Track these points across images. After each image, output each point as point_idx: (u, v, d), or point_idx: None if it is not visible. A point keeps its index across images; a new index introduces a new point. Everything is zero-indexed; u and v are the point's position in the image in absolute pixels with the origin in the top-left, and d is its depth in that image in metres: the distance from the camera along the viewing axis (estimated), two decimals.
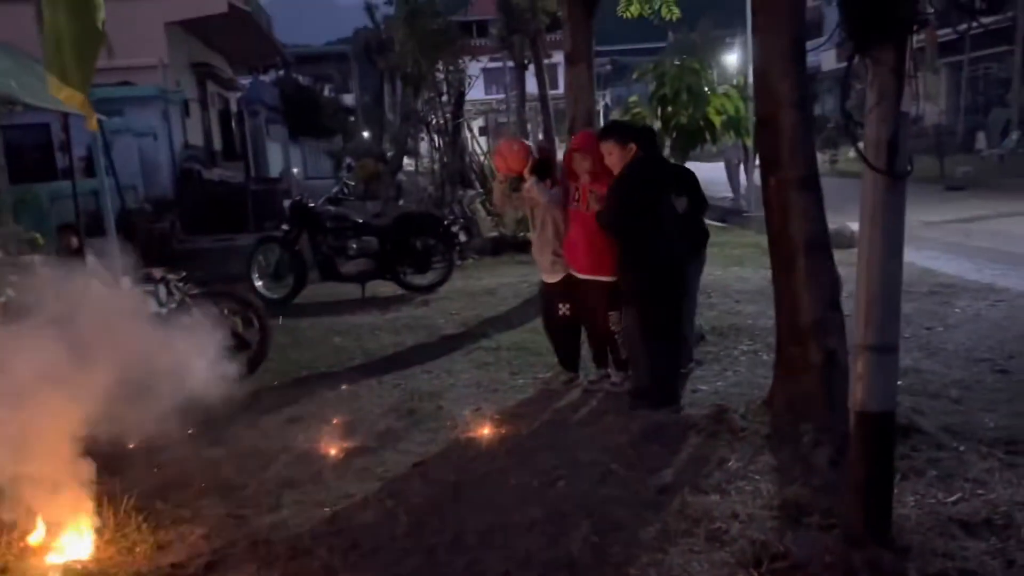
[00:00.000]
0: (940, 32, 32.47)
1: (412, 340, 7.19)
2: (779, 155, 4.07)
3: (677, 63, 5.97)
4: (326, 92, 50.50)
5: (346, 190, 9.40)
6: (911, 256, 9.71)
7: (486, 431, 4.75)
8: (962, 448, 4.03)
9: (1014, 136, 24.39)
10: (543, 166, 5.25)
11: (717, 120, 6.17)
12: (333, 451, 4.57)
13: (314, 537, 3.56)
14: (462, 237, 9.36)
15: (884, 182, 2.86)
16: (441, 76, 11.68)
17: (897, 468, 3.68)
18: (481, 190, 12.27)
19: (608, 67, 50.05)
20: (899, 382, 5.11)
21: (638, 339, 4.80)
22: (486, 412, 5.08)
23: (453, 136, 11.57)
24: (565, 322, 5.37)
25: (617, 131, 4.96)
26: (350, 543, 3.50)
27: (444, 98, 11.76)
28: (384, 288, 9.44)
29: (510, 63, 24.56)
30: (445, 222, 9.26)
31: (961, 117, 30.51)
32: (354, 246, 9.11)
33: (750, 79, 7.18)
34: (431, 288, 9.28)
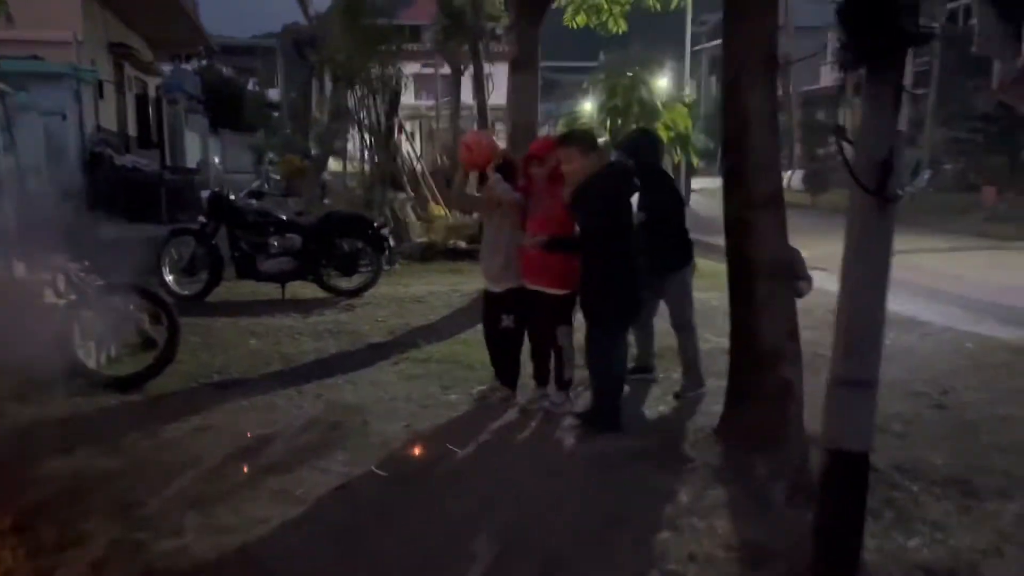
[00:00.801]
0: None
1: (335, 347, 6.75)
2: (746, 174, 3.88)
3: (630, 74, 5.78)
4: (250, 86, 49.13)
5: (267, 185, 8.90)
6: (833, 286, 9.79)
7: (417, 451, 4.39)
8: (915, 488, 3.88)
9: (925, 176, 25.37)
10: (507, 168, 4.97)
11: (665, 135, 5.99)
12: (246, 468, 4.12)
13: (221, 566, 3.15)
14: (391, 241, 8.95)
15: (874, 206, 2.65)
16: (376, 74, 11.27)
17: None
18: (412, 194, 11.89)
19: (539, 82, 50.23)
20: None
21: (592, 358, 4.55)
22: (416, 429, 4.72)
23: (386, 137, 11.16)
24: (508, 335, 5.06)
25: (580, 138, 4.69)
26: (263, 575, 3.10)
27: (378, 97, 11.35)
28: (305, 290, 8.96)
29: (443, 70, 24.22)
30: (374, 224, 8.85)
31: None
32: (276, 244, 8.61)
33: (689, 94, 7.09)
34: (356, 292, 8.84)
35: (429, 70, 28.72)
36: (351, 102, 11.70)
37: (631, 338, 5.13)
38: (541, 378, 5.15)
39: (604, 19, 8.49)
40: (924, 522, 3.54)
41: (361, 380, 5.76)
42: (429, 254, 11.27)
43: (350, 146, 14.51)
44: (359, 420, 4.86)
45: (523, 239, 4.83)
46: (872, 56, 2.54)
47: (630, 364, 5.69)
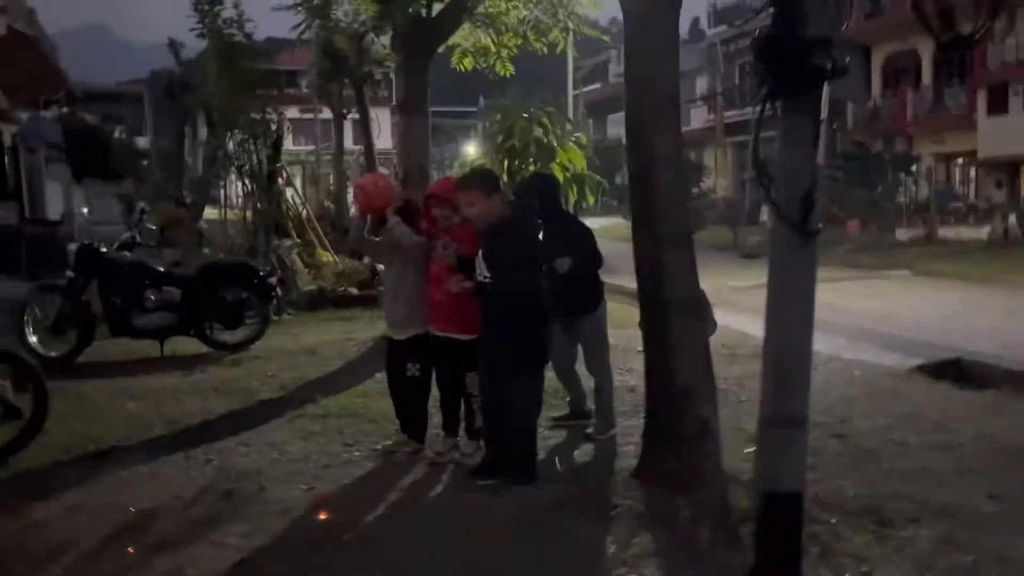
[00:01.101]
0: (727, 114, 35.48)
1: (223, 406, 6.31)
2: (653, 212, 3.84)
3: (526, 115, 5.72)
4: (117, 133, 47.14)
5: (140, 236, 8.32)
6: (728, 319, 10.01)
7: (322, 516, 4.08)
8: (834, 520, 3.88)
9: None
10: (407, 211, 4.78)
11: (561, 175, 5.96)
12: (131, 549, 3.71)
13: None
14: (279, 290, 8.55)
15: (797, 241, 2.62)
16: (256, 118, 10.89)
17: None
18: (299, 240, 11.48)
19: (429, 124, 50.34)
20: (750, 449, 5.08)
21: (497, 408, 4.35)
22: (320, 493, 4.40)
23: (268, 182, 10.76)
24: (414, 384, 4.83)
25: (482, 179, 4.51)
26: None
27: (259, 142, 10.95)
28: (187, 345, 8.42)
29: (322, 115, 23.84)
30: (260, 272, 8.43)
31: (747, 192, 33.20)
32: (152, 297, 8.06)
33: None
34: (242, 346, 8.38)
35: (308, 115, 28.30)
36: (231, 147, 11.25)
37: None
38: (450, 428, 4.94)
39: (492, 62, 8.49)
40: (847, 555, 3.52)
41: (254, 441, 5.37)
42: (318, 302, 10.87)
43: (224, 193, 13.96)
44: (255, 486, 4.49)
45: (424, 284, 4.65)
46: (790, 90, 2.52)
47: (564, 411, 5.57)
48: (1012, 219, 22.54)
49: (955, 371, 7.88)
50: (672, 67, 3.90)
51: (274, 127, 11.25)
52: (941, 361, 8.20)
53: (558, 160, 5.73)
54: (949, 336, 9.82)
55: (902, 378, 7.36)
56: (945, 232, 22.69)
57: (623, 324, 10.39)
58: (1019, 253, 18.51)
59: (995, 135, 25.76)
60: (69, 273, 7.79)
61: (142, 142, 53.30)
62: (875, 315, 11.46)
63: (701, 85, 42.09)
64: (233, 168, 11.21)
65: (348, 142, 22.76)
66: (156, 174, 39.83)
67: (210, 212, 17.44)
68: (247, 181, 11.24)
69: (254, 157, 10.99)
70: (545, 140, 5.75)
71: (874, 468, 4.82)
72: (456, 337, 4.58)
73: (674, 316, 3.84)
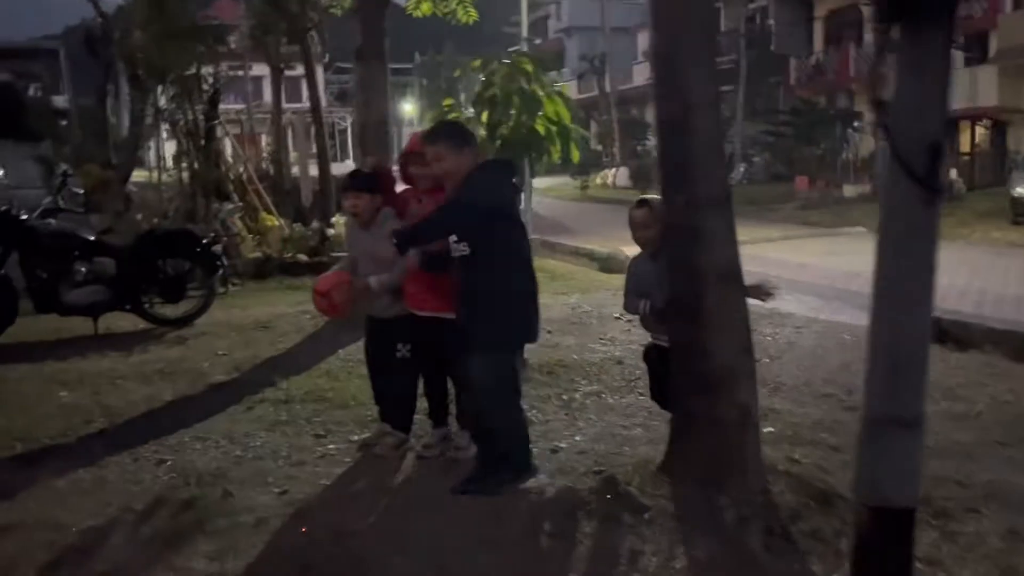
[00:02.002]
0: None
1: (171, 392, 5.62)
2: (690, 168, 3.29)
3: (507, 61, 5.12)
4: (31, 91, 44.61)
5: (63, 200, 7.45)
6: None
7: (304, 528, 3.49)
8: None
9: (741, 168, 26.61)
10: (380, 179, 4.24)
11: (543, 128, 5.38)
12: None
13: None
14: (224, 260, 7.80)
15: (917, 199, 2.11)
16: (191, 74, 9.95)
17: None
18: (240, 203, 10.63)
19: (351, 84, 48.88)
20: (769, 428, 4.64)
21: (479, 397, 3.78)
22: (296, 497, 3.80)
23: (207, 141, 9.86)
24: (404, 368, 4.23)
25: (449, 132, 3.81)
26: None
27: (194, 98, 10.03)
28: (123, 321, 7.64)
29: (252, 71, 22.54)
30: (203, 240, 7.65)
31: None
32: (83, 270, 7.24)
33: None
34: (185, 321, 7.63)
35: (238, 72, 26.89)
36: (162, 103, 10.30)
37: None
38: (439, 417, 4.37)
39: (452, 7, 7.79)
40: (917, 559, 3.10)
41: (212, 434, 4.71)
42: (264, 270, 10.12)
43: (152, 153, 12.95)
44: (219, 491, 3.85)
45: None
46: (919, 8, 1.99)
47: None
48: (953, 173, 22.78)
49: (936, 331, 7.64)
50: None
51: (210, 81, 10.30)
52: None
53: (543, 112, 5.16)
54: None
55: None
56: None
57: (588, 288, 9.98)
58: (964, 208, 18.65)
59: None
60: None
61: (59, 101, 50.54)
62: (841, 273, 11.24)
63: (643, 42, 41.57)
64: (166, 126, 10.26)
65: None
66: (76, 134, 37.76)
67: (137, 174, 16.33)
68: (182, 140, 10.31)
69: (189, 114, 10.06)
70: (529, 90, 5.17)
71: None
72: (442, 316, 3.99)
73: (711, 288, 3.32)
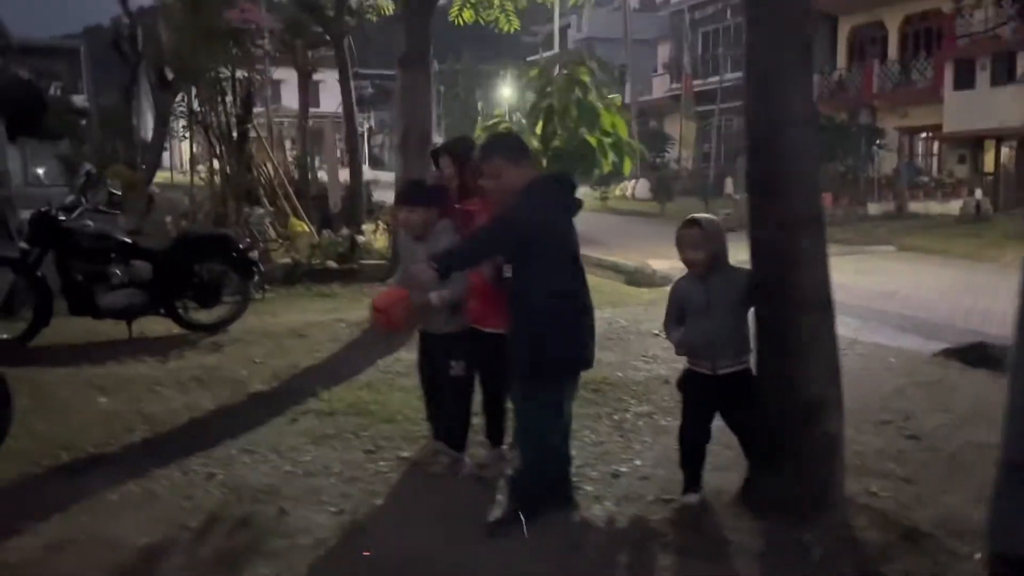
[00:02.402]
0: (694, 82, 35.00)
1: (211, 401, 5.50)
2: (781, 186, 3.16)
3: (566, 72, 4.98)
4: (52, 90, 44.92)
5: (86, 200, 7.28)
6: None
7: (367, 551, 3.35)
8: (977, 556, 3.31)
9: None
10: (438, 194, 4.13)
11: (595, 141, 5.23)
12: None
13: None
14: (260, 265, 7.69)
15: None
16: (225, 75, 9.88)
17: None
18: (271, 208, 10.53)
19: (370, 90, 48.89)
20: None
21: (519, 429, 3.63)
22: (354, 519, 3.67)
23: (239, 144, 9.78)
24: (457, 386, 4.10)
25: (506, 146, 3.62)
26: None
27: (227, 100, 9.96)
28: (155, 325, 7.54)
29: (275, 75, 22.50)
30: (239, 245, 7.55)
31: (712, 163, 32.88)
32: (118, 272, 7.14)
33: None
34: (219, 327, 7.52)
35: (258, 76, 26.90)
36: (195, 105, 10.22)
37: None
38: (496, 436, 4.24)
39: (495, 15, 7.70)
40: None
41: (258, 447, 4.60)
42: (293, 276, 10.00)
43: (188, 156, 12.86)
44: (273, 509, 3.74)
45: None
46: None
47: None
48: (978, 193, 22.59)
49: (981, 356, 7.49)
50: (807, 3, 3.20)
51: (243, 83, 10.23)
52: (967, 345, 7.81)
53: (601, 124, 5.02)
54: (960, 317, 9.50)
55: (942, 367, 6.90)
56: (914, 206, 22.65)
57: (619, 302, 9.84)
58: (991, 229, 18.47)
59: (961, 110, 25.71)
60: (22, 244, 6.81)
61: (78, 100, 50.80)
62: (875, 293, 11.08)
63: (663, 54, 41.52)
64: (199, 129, 10.19)
65: (292, 103, 21.39)
66: (96, 134, 37.90)
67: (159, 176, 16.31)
68: (214, 142, 10.23)
69: (222, 117, 9.99)
70: (587, 101, 5.03)
71: (971, 480, 4.26)
72: (504, 333, 3.86)
73: (803, 315, 3.19)
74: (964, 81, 26.59)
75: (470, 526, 3.58)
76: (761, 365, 3.44)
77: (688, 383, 3.78)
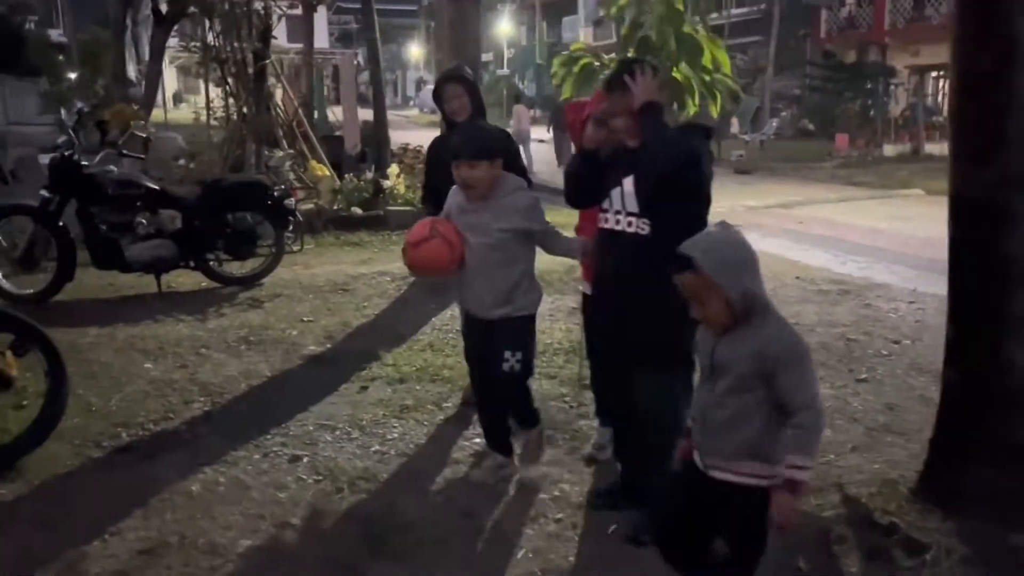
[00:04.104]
0: None
1: (267, 365, 5.03)
2: (1005, 135, 2.68)
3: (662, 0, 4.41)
4: (26, 25, 43.30)
5: (76, 140, 6.62)
6: (766, 245, 9.06)
7: (508, 556, 2.93)
8: None
9: (774, 123, 25.82)
10: (494, 145, 3.31)
11: (680, 77, 4.66)
12: None
13: None
14: (297, 214, 7.15)
15: None
16: (242, 5, 9.14)
17: None
18: (291, 150, 9.90)
19: (355, 25, 47.40)
20: None
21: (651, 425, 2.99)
22: (470, 509, 3.24)
23: (257, 82, 9.10)
24: (511, 384, 3.33)
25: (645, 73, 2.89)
26: None
27: (243, 34, 9.23)
28: (182, 278, 7.03)
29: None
30: (275, 192, 6.99)
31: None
32: (145, 222, 6.59)
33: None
34: (251, 280, 7.03)
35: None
36: (210, 38, 9.49)
37: None
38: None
39: None
40: None
41: (336, 421, 4.15)
42: (316, 224, 9.44)
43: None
44: (381, 504, 3.30)
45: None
46: None
47: None
48: None
49: None
50: None
51: (261, 15, 9.48)
52: None
53: (704, 58, 4.48)
54: None
55: None
56: (929, 148, 22.14)
57: None
58: None
59: None
60: (43, 192, 6.23)
61: (54, 34, 48.94)
62: (918, 240, 10.65)
63: None
64: (214, 65, 9.48)
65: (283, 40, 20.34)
66: (75, 70, 36.46)
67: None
68: (230, 81, 9.53)
69: (238, 53, 9.28)
70: (687, 33, 4.48)
71: None
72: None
73: (1018, 284, 2.74)
74: None
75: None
76: (953, 336, 2.98)
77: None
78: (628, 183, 2.86)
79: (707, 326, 2.25)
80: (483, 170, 3.19)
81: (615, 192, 2.93)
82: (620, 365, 3.02)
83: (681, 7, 4.66)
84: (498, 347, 3.25)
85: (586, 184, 3.07)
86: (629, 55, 4.73)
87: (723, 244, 2.19)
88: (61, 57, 43.87)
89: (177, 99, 40.27)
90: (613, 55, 5.18)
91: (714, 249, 2.17)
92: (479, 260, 3.26)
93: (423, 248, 3.25)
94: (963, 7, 2.77)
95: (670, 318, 2.58)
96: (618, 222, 2.94)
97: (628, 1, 4.84)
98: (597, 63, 4.89)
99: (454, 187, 3.36)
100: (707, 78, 4.68)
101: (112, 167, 6.54)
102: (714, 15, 32.85)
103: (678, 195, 2.77)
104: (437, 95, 4.23)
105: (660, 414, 2.88)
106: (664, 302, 2.44)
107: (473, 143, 3.25)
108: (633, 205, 2.87)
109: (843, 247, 10.07)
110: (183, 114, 34.36)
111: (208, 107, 9.87)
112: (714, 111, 5.09)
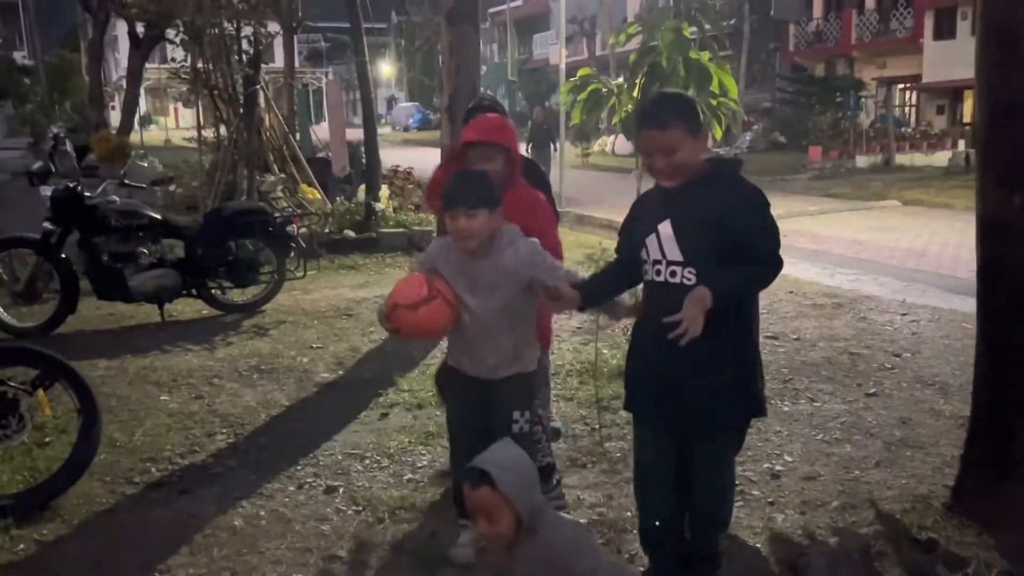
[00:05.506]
0: None
1: (283, 395, 5.04)
2: None
3: (671, 27, 4.50)
4: None
5: (55, 165, 6.59)
6: None
7: None
8: None
9: (747, 136, 26.22)
10: (495, 193, 2.81)
11: (700, 104, 4.74)
12: None
13: None
14: (299, 240, 7.15)
15: None
16: (231, 31, 9.15)
17: None
18: (282, 175, 9.90)
19: (324, 44, 47.39)
20: None
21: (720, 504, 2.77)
22: None
23: (248, 107, 9.10)
24: (522, 442, 2.74)
25: (686, 111, 2.62)
26: None
27: (232, 59, 9.24)
28: (183, 307, 7.01)
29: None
30: (275, 218, 6.99)
31: None
32: (146, 252, 6.57)
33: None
34: (252, 307, 7.02)
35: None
36: (199, 64, 9.48)
37: None
38: None
39: None
40: None
41: (363, 449, 4.17)
42: (309, 248, 9.42)
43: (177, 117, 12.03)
44: (424, 533, 3.32)
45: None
46: None
47: None
48: (961, 145, 22.65)
49: None
50: None
51: (251, 42, 9.50)
52: None
53: (713, 84, 4.57)
54: None
55: None
56: (900, 159, 22.60)
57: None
58: None
59: (941, 60, 25.70)
60: (46, 224, 6.19)
61: (18, 57, 48.45)
62: (902, 251, 10.92)
63: (634, 4, 40.71)
64: (203, 90, 9.47)
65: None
66: (40, 94, 36.06)
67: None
68: (220, 106, 9.52)
69: (228, 77, 9.28)
70: (697, 60, 4.58)
71: None
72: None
73: None
74: (944, 31, 26.55)
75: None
76: (984, 350, 3.09)
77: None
78: (665, 228, 2.55)
79: (490, 544, 2.22)
80: (483, 220, 2.73)
81: (650, 240, 2.58)
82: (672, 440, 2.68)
83: (688, 34, 4.77)
84: (506, 410, 2.89)
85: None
86: (637, 82, 4.85)
87: (519, 460, 2.15)
88: (27, 80, 43.32)
89: (146, 120, 39.88)
90: (621, 79, 5.25)
91: (514, 468, 2.11)
92: (484, 326, 2.84)
93: (424, 312, 2.75)
94: (984, 41, 2.89)
95: (735, 371, 2.56)
96: (659, 272, 2.58)
97: (633, 27, 4.95)
98: (604, 89, 4.99)
99: (437, 240, 3.09)
100: (714, 103, 4.80)
101: (114, 197, 6.52)
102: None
103: (735, 244, 2.48)
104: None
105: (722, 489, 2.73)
106: (726, 353, 2.47)
107: (472, 187, 2.79)
108: (675, 252, 2.53)
109: (830, 260, 10.26)
110: (153, 135, 34.18)
111: (199, 132, 9.83)
112: (718, 133, 5.21)
